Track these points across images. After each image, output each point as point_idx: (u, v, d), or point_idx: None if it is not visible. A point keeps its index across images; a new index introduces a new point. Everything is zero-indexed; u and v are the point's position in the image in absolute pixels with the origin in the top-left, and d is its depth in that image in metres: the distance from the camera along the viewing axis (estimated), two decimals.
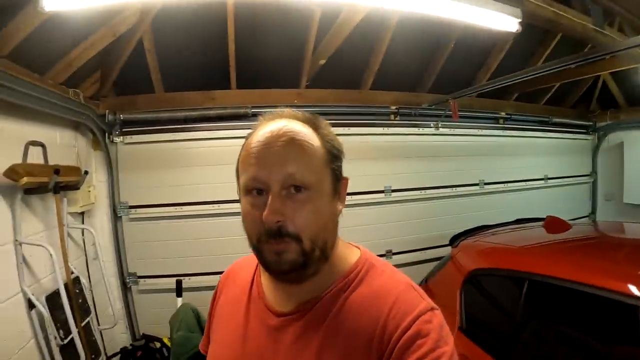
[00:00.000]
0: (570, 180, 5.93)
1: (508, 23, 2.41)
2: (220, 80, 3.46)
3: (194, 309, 2.79)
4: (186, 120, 3.48)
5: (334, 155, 0.87)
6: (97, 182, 3.36)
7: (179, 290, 3.22)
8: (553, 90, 5.25)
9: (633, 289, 1.67)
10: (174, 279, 3.28)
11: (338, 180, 0.87)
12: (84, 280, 2.88)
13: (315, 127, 0.87)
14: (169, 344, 3.15)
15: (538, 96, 5.29)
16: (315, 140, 0.85)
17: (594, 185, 6.40)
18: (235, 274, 1.09)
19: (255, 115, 3.38)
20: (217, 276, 3.58)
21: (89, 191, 3.17)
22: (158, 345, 3.29)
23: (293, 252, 0.79)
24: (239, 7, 2.87)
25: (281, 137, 0.82)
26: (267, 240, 0.79)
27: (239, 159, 0.89)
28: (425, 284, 3.02)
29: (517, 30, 2.52)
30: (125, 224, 3.48)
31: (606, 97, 5.88)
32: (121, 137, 3.42)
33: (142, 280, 3.53)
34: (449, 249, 4.14)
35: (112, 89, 3.37)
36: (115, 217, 3.43)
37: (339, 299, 0.84)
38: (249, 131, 2.59)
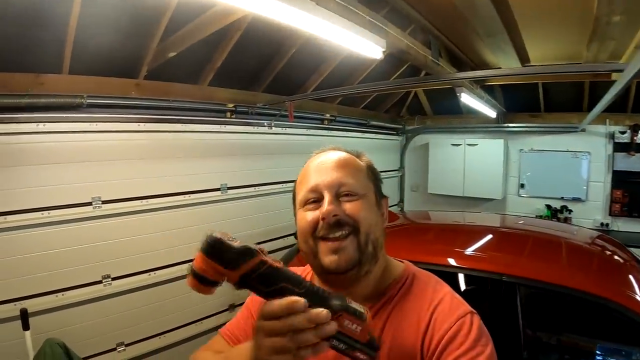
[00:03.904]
0: (383, 175, 6.74)
1: (374, 51, 2.56)
2: (51, 62, 2.80)
3: (60, 344, 2.46)
4: (9, 109, 2.68)
5: (375, 176, 1.04)
6: None
7: (25, 323, 2.53)
8: (371, 97, 5.91)
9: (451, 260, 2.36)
10: (12, 305, 2.65)
11: (380, 197, 1.02)
12: None
13: (358, 155, 1.06)
14: None
15: (358, 101, 5.90)
16: (359, 163, 1.03)
17: (402, 178, 7.49)
18: None
19: (91, 105, 2.95)
20: (68, 292, 3.27)
21: None
22: None
23: (350, 247, 0.90)
24: None
25: (332, 158, 0.99)
26: (325, 236, 0.90)
27: (294, 186, 1.05)
28: None
29: (380, 58, 2.73)
30: None
31: (416, 105, 6.97)
32: None
33: None
34: (286, 240, 4.40)
35: None
36: None
37: (387, 308, 0.94)
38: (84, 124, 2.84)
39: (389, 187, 7.12)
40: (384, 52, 2.53)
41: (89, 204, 3.01)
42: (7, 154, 2.68)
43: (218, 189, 3.97)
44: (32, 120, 2.74)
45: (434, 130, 7.09)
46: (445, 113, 6.94)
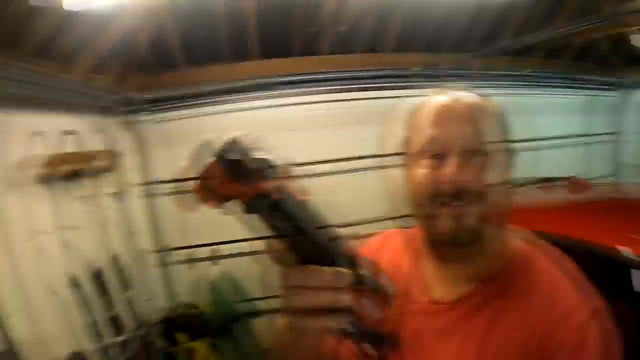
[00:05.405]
0: (593, 139, 5.78)
1: None
2: (243, 52, 3.48)
3: (230, 277, 2.84)
4: (212, 94, 3.49)
5: (506, 128, 0.86)
6: (130, 162, 3.38)
7: (214, 259, 3.40)
8: (577, 46, 5.07)
9: (623, 249, 1.75)
10: (208, 248, 3.45)
11: (511, 154, 0.86)
12: (123, 257, 2.98)
13: (488, 102, 0.86)
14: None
15: (561, 52, 5.14)
16: (491, 112, 0.83)
17: (618, 145, 6.20)
18: (385, 248, 1.00)
19: (280, 83, 3.53)
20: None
21: (123, 172, 3.20)
22: (198, 311, 3.39)
23: (473, 216, 0.75)
24: None
25: (460, 104, 0.81)
26: (446, 202, 0.75)
27: (407, 129, 0.88)
28: None
29: None
30: (158, 199, 3.53)
31: (633, 53, 5.69)
32: (149, 116, 3.50)
33: (177, 252, 3.58)
34: None
35: (138, 69, 3.38)
36: (149, 194, 3.52)
37: (498, 292, 0.78)
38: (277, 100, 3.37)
39: (599, 156, 6.04)
40: None
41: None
42: (217, 128, 3.17)
43: None
44: (232, 100, 3.54)
45: None
46: None
